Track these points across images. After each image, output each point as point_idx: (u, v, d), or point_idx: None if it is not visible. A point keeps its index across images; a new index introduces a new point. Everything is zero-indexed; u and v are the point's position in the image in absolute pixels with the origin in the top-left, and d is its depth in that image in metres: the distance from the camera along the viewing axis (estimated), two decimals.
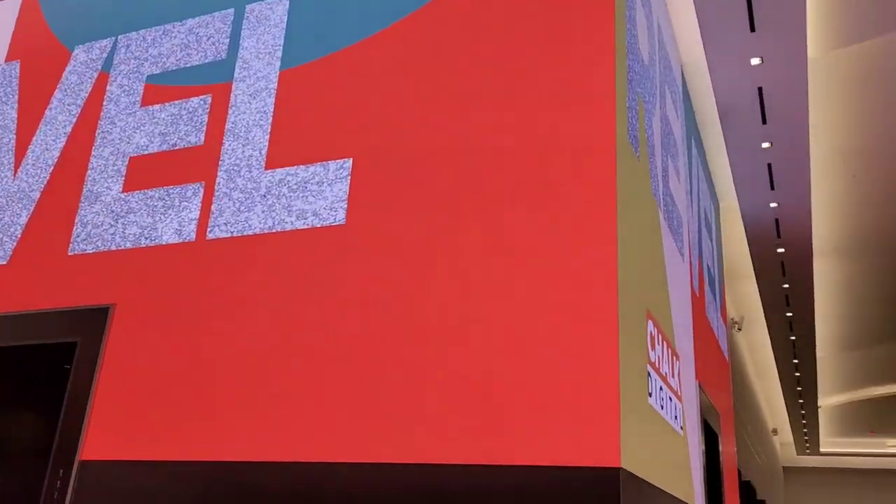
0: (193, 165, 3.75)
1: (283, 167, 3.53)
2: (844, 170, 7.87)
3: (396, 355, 3.10)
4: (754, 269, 9.59)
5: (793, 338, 12.10)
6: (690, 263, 5.95)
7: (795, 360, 13.34)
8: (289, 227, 3.39)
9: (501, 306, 3.10)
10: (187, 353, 3.38)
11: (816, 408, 17.48)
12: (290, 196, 3.45)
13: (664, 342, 4.35)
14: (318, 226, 3.34)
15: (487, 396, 3.02)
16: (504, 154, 3.26)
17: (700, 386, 5.71)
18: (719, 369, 7.72)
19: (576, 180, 3.18)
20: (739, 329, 11.40)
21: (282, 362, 3.21)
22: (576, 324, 3.10)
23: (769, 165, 6.82)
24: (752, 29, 4.97)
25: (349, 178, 3.38)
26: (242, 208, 3.51)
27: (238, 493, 3.11)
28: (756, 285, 10.12)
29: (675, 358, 4.70)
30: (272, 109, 3.70)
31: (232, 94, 3.85)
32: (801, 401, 16.67)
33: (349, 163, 3.41)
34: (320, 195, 3.39)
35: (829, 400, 17.99)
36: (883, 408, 18.67)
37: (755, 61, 5.38)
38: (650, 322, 3.93)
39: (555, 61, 3.35)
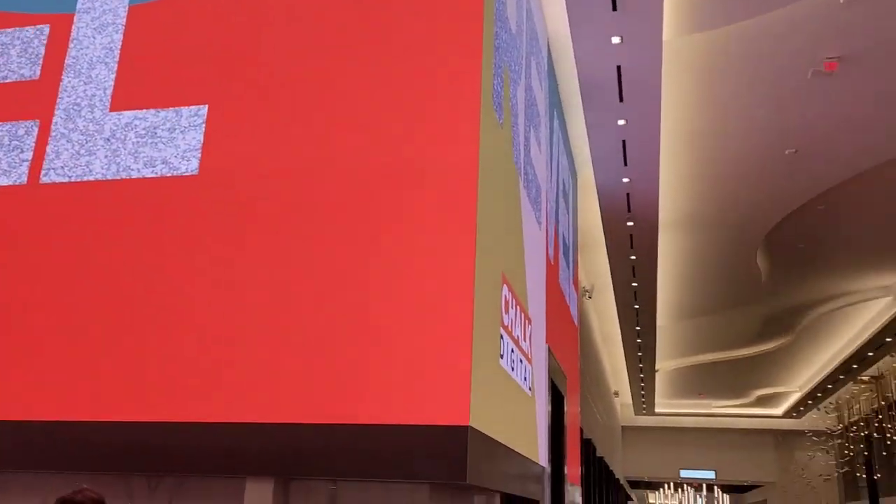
0: (27, 101, 3.42)
1: (130, 110, 3.28)
2: (691, 149, 8.40)
3: (247, 314, 3.00)
4: (605, 241, 10.10)
5: (637, 306, 12.92)
6: (547, 232, 6.16)
7: (638, 328, 14.26)
8: (135, 175, 3.18)
9: (357, 264, 3.07)
10: (10, 304, 3.11)
11: (654, 371, 18.82)
12: (138, 142, 3.22)
13: (518, 306, 4.49)
14: (168, 175, 3.15)
15: (340, 356, 3.00)
16: (367, 111, 3.20)
17: (549, 349, 5.96)
18: (569, 334, 8.10)
19: (439, 142, 3.18)
20: (590, 297, 12.00)
21: (115, 318, 3.03)
22: (432, 286, 3.12)
23: (623, 142, 7.15)
24: (614, 7, 5.14)
25: (204, 126, 3.20)
26: (83, 152, 3.25)
27: (58, 451, 2.93)
28: (606, 256, 10.68)
29: (527, 322, 4.87)
30: (119, 46, 3.42)
31: (73, 27, 3.52)
32: (640, 365, 17.89)
33: (204, 110, 3.23)
34: (171, 142, 3.19)
35: (665, 364, 19.42)
36: (711, 372, 20.41)
37: (615, 40, 5.58)
38: (505, 286, 4.04)
39: (422, 23, 3.32)
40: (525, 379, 4.73)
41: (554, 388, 6.38)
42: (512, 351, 4.24)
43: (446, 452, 2.97)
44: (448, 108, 3.19)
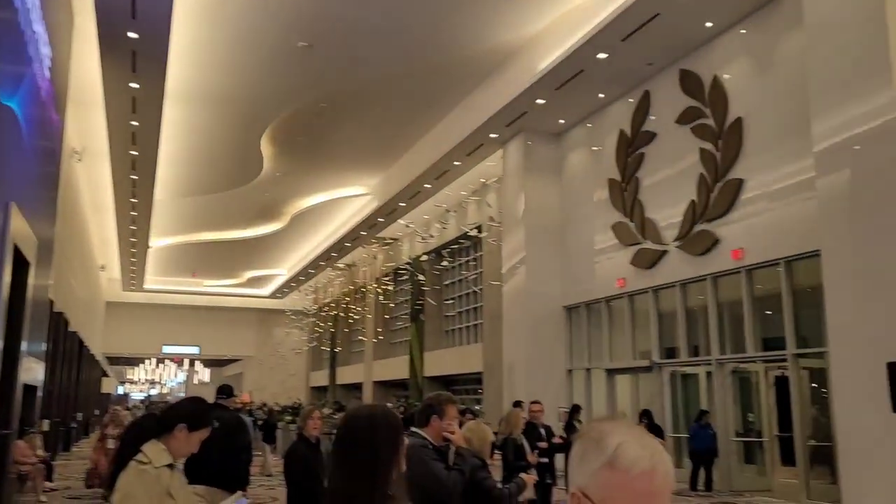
0: None
1: None
2: (207, 19, 7.99)
3: None
4: (105, 100, 9.11)
5: (134, 177, 12.12)
6: (26, 74, 5.21)
7: (134, 200, 13.46)
8: None
9: None
10: None
11: (147, 247, 18.15)
12: None
13: None
14: None
15: None
16: None
17: (16, 208, 5.14)
18: (44, 196, 7.16)
19: None
20: (80, 160, 10.79)
21: None
22: None
23: None
24: None
25: None
26: None
27: None
28: (105, 117, 9.68)
29: None
30: None
31: None
32: (133, 239, 17.06)
33: None
34: None
35: (159, 241, 18.84)
36: (206, 251, 20.60)
37: None
38: None
39: None
40: None
41: (18, 254, 5.57)
42: None
43: None
44: None
